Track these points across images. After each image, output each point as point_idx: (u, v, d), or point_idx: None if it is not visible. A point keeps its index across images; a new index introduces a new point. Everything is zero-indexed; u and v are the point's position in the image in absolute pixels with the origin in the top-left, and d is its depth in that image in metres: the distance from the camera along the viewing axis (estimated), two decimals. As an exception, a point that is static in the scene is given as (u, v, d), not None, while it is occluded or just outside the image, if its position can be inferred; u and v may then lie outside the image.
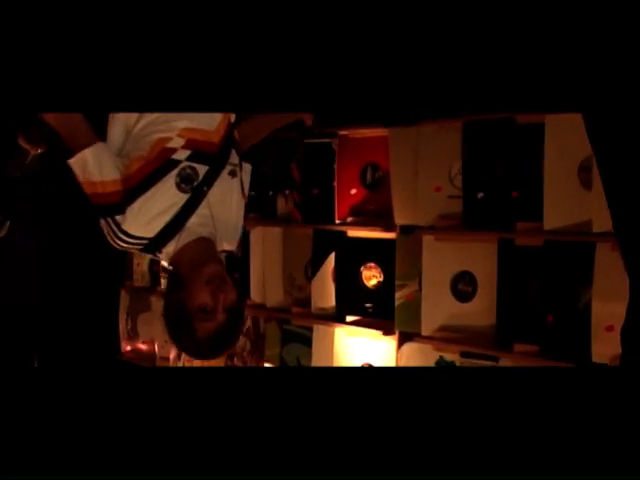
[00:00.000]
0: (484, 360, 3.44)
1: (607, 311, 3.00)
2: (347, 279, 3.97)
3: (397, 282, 3.75)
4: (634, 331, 2.37)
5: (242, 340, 4.66)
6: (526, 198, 3.36)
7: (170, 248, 2.60)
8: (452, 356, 3.57)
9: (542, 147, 3.26)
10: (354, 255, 3.95)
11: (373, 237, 3.88)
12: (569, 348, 3.17)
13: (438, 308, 3.63)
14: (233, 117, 2.78)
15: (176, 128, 2.59)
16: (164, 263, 2.66)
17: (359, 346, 3.90)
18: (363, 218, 3.95)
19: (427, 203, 3.65)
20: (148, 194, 2.53)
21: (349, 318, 3.92)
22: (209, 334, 2.45)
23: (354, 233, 3.94)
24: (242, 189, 2.82)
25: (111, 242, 2.61)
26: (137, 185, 2.53)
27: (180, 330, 2.52)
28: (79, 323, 5.08)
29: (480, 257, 3.55)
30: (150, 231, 2.56)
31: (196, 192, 2.61)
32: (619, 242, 2.38)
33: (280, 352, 4.24)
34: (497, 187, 3.48)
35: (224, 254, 2.81)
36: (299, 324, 4.14)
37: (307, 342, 4.03)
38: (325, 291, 3.99)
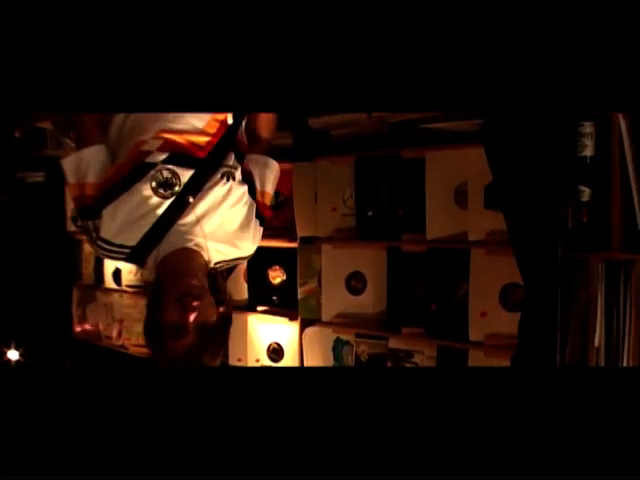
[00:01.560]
0: (376, 340, 3.75)
1: (481, 301, 3.30)
2: (257, 278, 4.25)
3: (299, 280, 4.03)
4: (528, 325, 2.69)
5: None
6: (410, 216, 3.62)
7: (152, 259, 2.27)
8: (348, 337, 3.86)
9: (424, 176, 3.50)
10: (262, 260, 4.13)
11: (277, 246, 4.14)
12: (449, 330, 3.44)
13: (335, 299, 3.93)
14: (228, 118, 2.43)
15: (153, 130, 2.28)
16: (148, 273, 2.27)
17: (268, 330, 4.19)
18: (270, 232, 4.11)
19: (325, 220, 3.94)
20: (122, 198, 2.21)
21: (259, 308, 4.23)
22: (177, 354, 2.09)
23: (262, 243, 4.07)
24: (255, 189, 2.53)
25: (93, 248, 2.32)
26: (110, 189, 2.22)
27: (153, 345, 2.20)
28: (43, 312, 5.69)
29: (371, 261, 3.82)
30: (130, 239, 2.24)
31: (179, 198, 2.27)
32: (515, 253, 2.69)
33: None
34: (384, 207, 3.75)
35: (238, 262, 2.57)
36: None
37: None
38: (239, 288, 4.29)
